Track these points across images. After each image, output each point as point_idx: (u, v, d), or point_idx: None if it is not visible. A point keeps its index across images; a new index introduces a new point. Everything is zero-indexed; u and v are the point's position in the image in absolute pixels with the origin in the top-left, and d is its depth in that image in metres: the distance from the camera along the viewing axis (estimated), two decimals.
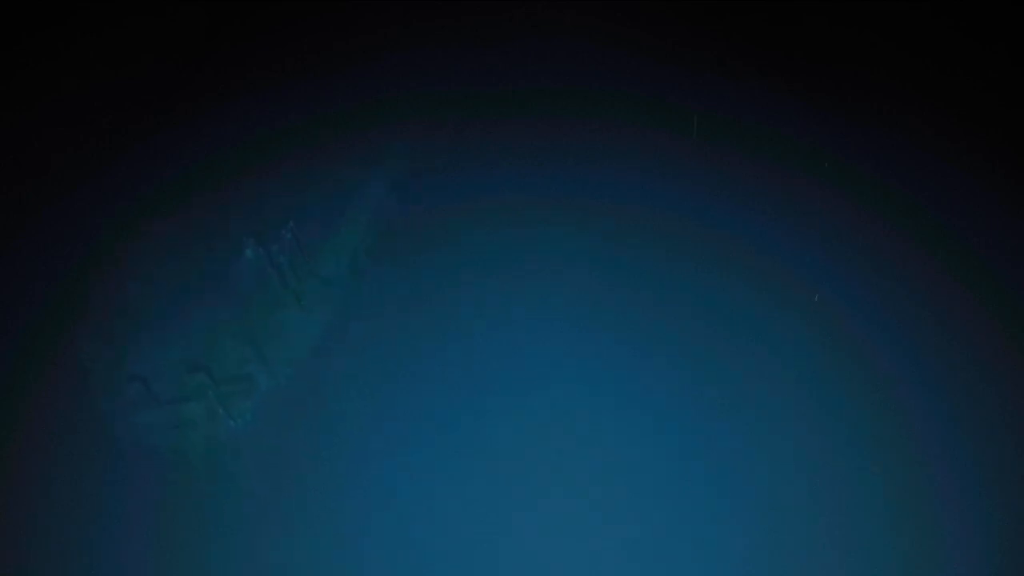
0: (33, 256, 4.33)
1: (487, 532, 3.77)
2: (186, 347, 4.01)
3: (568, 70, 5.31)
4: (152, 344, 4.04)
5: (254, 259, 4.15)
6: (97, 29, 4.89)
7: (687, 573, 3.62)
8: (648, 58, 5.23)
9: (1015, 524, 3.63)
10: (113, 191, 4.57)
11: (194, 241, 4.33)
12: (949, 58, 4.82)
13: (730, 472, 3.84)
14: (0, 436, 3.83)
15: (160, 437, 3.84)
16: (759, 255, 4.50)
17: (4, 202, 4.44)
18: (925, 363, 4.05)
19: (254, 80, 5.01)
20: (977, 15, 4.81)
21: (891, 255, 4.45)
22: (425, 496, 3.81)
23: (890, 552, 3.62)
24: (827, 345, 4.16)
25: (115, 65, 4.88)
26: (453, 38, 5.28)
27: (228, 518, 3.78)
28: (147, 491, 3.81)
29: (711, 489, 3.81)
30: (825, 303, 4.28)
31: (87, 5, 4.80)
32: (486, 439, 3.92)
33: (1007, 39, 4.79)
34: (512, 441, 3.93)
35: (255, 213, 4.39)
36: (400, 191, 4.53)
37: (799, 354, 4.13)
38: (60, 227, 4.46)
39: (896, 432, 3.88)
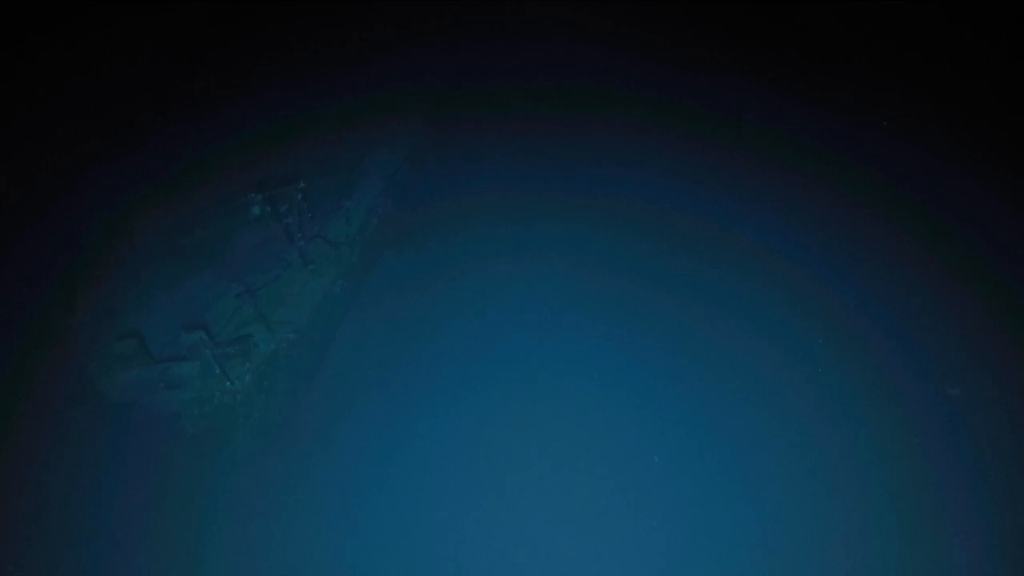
0: (35, 212, 4.35)
1: (477, 500, 3.72)
2: (185, 304, 3.97)
3: (574, 69, 5.38)
4: (149, 299, 4.00)
5: (261, 218, 4.13)
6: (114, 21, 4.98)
7: (690, 566, 3.57)
8: (652, 58, 5.30)
9: (1017, 519, 3.59)
10: (119, 157, 4.63)
11: (198, 196, 4.35)
12: (950, 58, 4.86)
13: (736, 468, 3.80)
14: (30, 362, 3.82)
15: (151, 396, 3.76)
16: (758, 251, 4.51)
17: (12, 164, 4.50)
18: (930, 360, 4.04)
19: (275, 65, 5.11)
20: (979, 15, 4.86)
21: (897, 254, 4.46)
22: (425, 464, 3.75)
23: (896, 546, 3.57)
24: (832, 342, 4.15)
25: (131, 52, 4.96)
26: (456, 33, 5.38)
27: (218, 480, 3.70)
28: (134, 450, 3.73)
29: (718, 486, 3.78)
30: (830, 302, 4.27)
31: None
32: (488, 414, 3.88)
33: (1008, 39, 4.84)
34: (512, 413, 3.91)
35: (264, 171, 4.41)
36: (414, 163, 4.55)
37: (806, 351, 4.12)
38: (64, 188, 4.50)
39: (902, 428, 3.86)
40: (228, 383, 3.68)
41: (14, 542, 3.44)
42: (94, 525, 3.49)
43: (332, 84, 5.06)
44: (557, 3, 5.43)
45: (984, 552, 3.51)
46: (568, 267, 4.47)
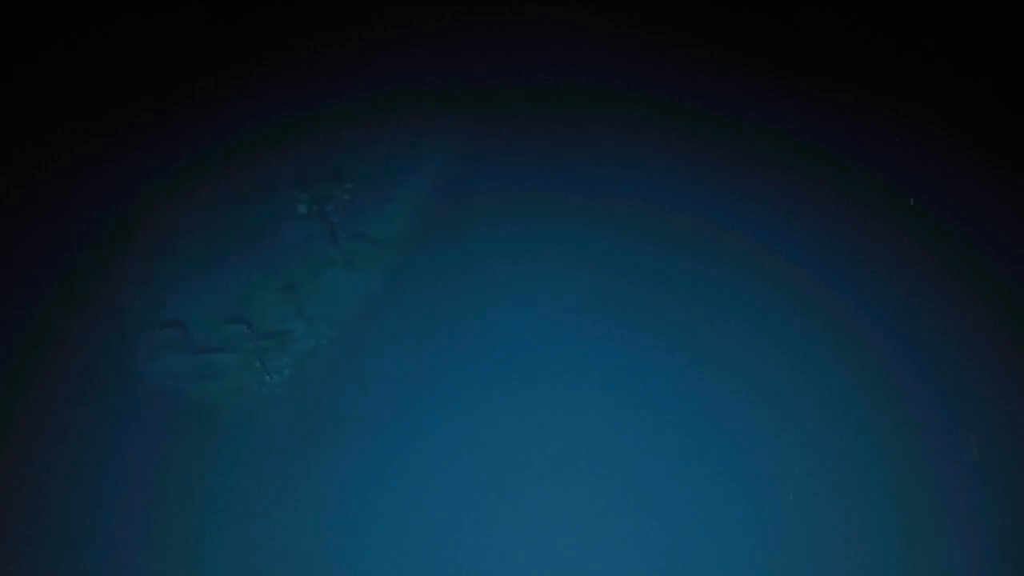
0: (80, 195, 4.44)
1: (511, 496, 3.72)
2: (227, 296, 4.00)
3: (574, 69, 5.40)
4: (193, 290, 4.03)
5: (307, 216, 4.16)
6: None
7: (691, 566, 3.58)
8: (652, 58, 5.31)
9: (1017, 520, 3.59)
10: (119, 157, 4.68)
11: (246, 192, 4.35)
12: (950, 58, 4.88)
13: (735, 468, 3.82)
14: (30, 362, 3.83)
15: (186, 384, 3.80)
16: (758, 251, 4.52)
17: (56, 146, 4.64)
18: (930, 360, 4.04)
19: (276, 65, 5.16)
20: (979, 15, 4.88)
21: (897, 254, 4.47)
22: (457, 468, 3.74)
23: (896, 546, 3.57)
24: (832, 342, 4.15)
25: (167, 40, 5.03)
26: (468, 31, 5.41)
27: (245, 472, 3.68)
28: (165, 435, 3.74)
29: (718, 485, 3.79)
30: (830, 302, 4.27)
31: None
32: (523, 417, 3.88)
33: (1008, 39, 4.85)
34: (546, 411, 3.89)
35: (312, 170, 4.41)
36: (459, 163, 4.58)
37: (806, 351, 4.13)
38: (109, 171, 4.59)
39: (902, 428, 3.86)
40: (267, 376, 3.72)
41: (14, 542, 3.45)
42: (102, 523, 3.50)
43: (334, 83, 5.09)
44: (557, 3, 5.45)
45: (984, 552, 3.51)
46: (568, 267, 4.48)
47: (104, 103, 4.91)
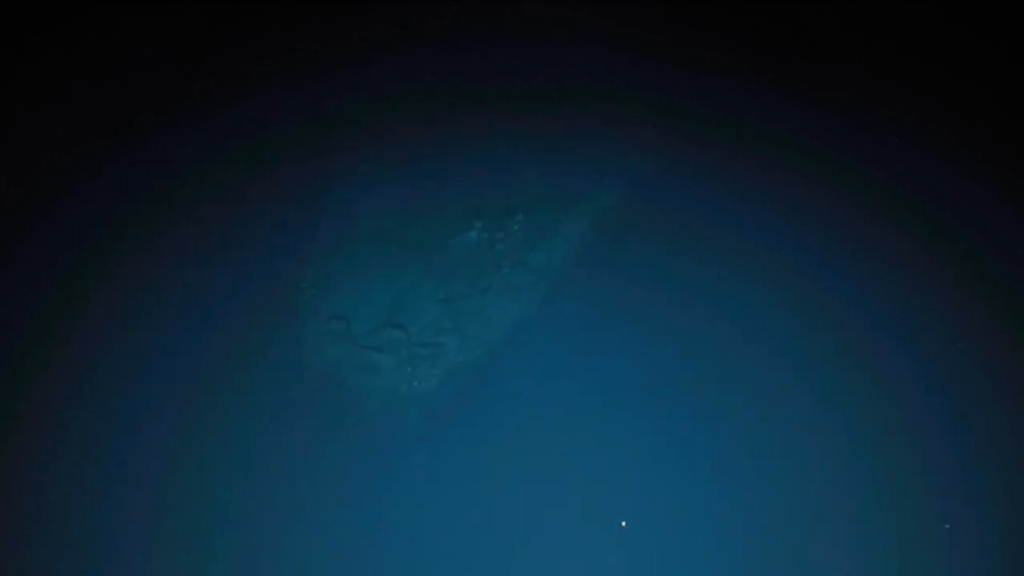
0: (80, 195, 4.61)
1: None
2: (394, 302, 4.34)
3: (574, 69, 5.39)
4: (364, 290, 4.38)
5: (477, 242, 4.50)
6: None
7: (691, 566, 3.57)
8: (652, 58, 5.31)
9: (1015, 522, 3.59)
10: (119, 157, 4.72)
11: (426, 211, 4.66)
12: (950, 58, 4.87)
13: (735, 468, 3.81)
14: (212, 334, 4.17)
15: (347, 373, 4.11)
16: (758, 251, 4.51)
17: (56, 146, 4.79)
18: (930, 360, 4.04)
19: (275, 65, 5.18)
20: (979, 15, 4.88)
21: (897, 254, 4.46)
22: (590, 503, 3.82)
23: (896, 546, 3.57)
24: (832, 342, 4.14)
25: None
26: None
27: (385, 465, 3.89)
28: (319, 417, 3.99)
29: (718, 486, 3.78)
30: (830, 302, 4.27)
31: None
32: (667, 448, 3.93)
33: (1008, 39, 4.85)
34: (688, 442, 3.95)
35: (489, 199, 4.69)
36: (626, 200, 4.73)
37: (806, 351, 4.12)
38: (109, 171, 4.74)
39: (901, 428, 3.86)
40: (416, 383, 4.05)
41: (14, 542, 3.47)
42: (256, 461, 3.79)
43: (332, 84, 5.10)
44: (557, 3, 5.45)
45: (984, 552, 3.51)
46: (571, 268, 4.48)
47: (104, 103, 4.92)
